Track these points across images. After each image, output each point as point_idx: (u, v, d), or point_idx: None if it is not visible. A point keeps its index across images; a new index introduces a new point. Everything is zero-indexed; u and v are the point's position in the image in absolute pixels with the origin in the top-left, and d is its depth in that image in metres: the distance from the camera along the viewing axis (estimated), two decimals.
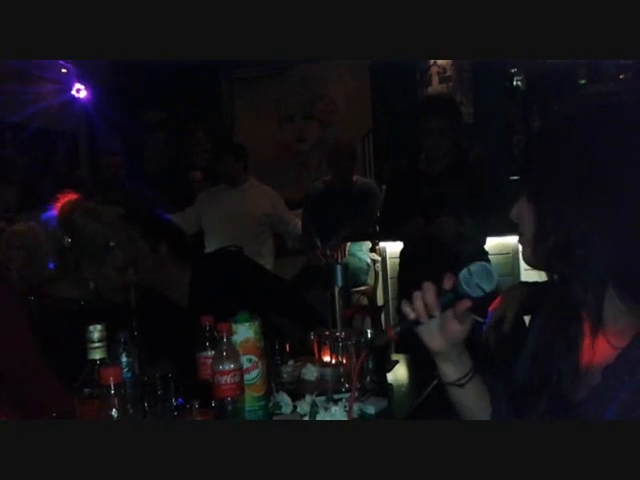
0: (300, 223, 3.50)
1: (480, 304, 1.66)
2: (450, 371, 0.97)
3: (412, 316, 0.92)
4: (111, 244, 1.67)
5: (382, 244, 3.30)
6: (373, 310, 2.86)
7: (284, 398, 1.37)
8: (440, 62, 4.05)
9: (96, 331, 1.03)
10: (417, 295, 0.92)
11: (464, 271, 0.89)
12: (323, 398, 1.38)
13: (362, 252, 3.28)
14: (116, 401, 0.87)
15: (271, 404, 1.36)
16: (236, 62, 4.76)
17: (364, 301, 3.14)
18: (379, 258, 3.32)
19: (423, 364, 1.03)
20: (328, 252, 3.08)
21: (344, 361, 1.55)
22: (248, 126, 5.40)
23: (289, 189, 4.25)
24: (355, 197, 3.26)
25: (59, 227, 1.72)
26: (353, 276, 3.19)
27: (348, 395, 1.45)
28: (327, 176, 3.46)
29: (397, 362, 1.79)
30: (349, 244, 3.24)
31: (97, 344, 1.03)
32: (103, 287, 1.70)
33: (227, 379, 1.16)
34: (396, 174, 2.97)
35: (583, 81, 4.09)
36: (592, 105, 0.93)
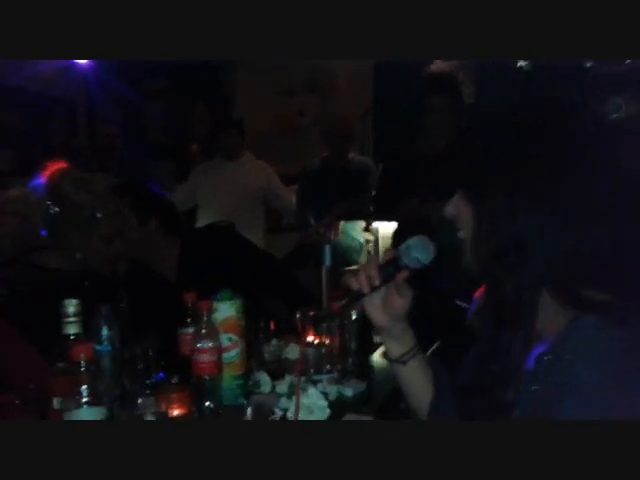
0: (295, 199, 3.48)
1: (466, 290, 1.67)
2: (393, 347, 1.00)
3: (355, 287, 0.95)
4: (98, 215, 1.65)
5: (376, 224, 3.28)
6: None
7: (264, 377, 1.37)
8: None
9: (71, 305, 1.02)
10: (361, 267, 0.96)
11: (403, 244, 0.94)
12: (303, 378, 1.38)
13: (355, 231, 3.26)
14: (86, 378, 0.87)
15: (251, 382, 1.36)
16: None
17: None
18: (372, 238, 3.30)
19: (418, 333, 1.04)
20: (321, 230, 3.07)
21: (327, 342, 1.55)
22: (248, 99, 5.33)
23: (288, 164, 4.20)
24: (351, 175, 3.23)
25: (47, 195, 1.70)
26: (346, 255, 3.18)
27: (328, 377, 1.45)
28: (324, 152, 3.43)
29: (381, 344, 1.79)
30: (343, 223, 3.22)
31: (72, 318, 1.02)
32: (90, 258, 1.69)
33: (205, 357, 1.16)
34: (394, 153, 2.94)
35: (590, 63, 4.01)
36: (536, 102, 0.91)
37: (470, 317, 1.63)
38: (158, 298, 1.87)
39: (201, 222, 3.41)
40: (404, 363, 1.00)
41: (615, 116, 3.71)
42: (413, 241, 0.93)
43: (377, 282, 0.94)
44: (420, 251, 0.92)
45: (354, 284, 0.95)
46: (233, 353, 1.27)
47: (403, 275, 0.95)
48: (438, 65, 3.98)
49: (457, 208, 0.88)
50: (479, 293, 1.63)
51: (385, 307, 0.97)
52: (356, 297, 0.96)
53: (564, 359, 0.74)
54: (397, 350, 1.00)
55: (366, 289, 0.94)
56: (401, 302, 0.96)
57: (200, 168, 3.72)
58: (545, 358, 0.78)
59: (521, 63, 4.02)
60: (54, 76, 5.25)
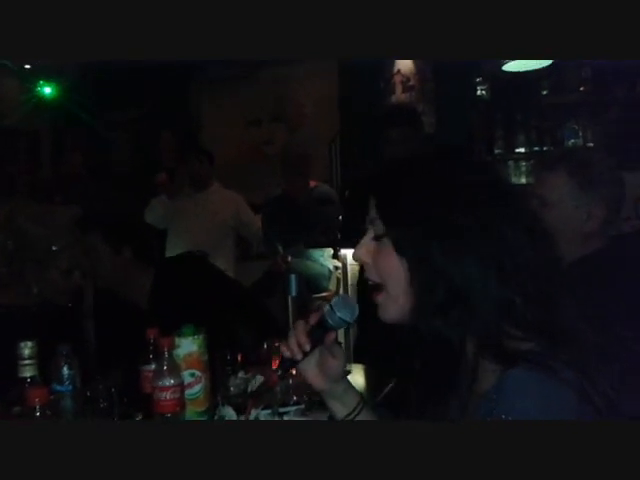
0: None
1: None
2: (338, 408, 1.00)
3: (287, 355, 0.96)
4: (54, 248, 1.64)
5: (343, 251, 3.31)
6: None
7: (229, 412, 1.35)
8: (403, 71, 4.08)
9: (26, 348, 1.01)
10: (290, 334, 0.96)
11: (327, 306, 0.95)
12: (269, 411, 1.37)
13: (324, 258, 3.28)
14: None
15: (216, 418, 1.35)
16: (205, 63, 4.73)
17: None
18: (340, 264, 3.32)
19: (376, 373, 1.04)
20: (289, 259, 3.07)
21: (294, 372, 1.55)
22: (215, 128, 5.36)
23: (256, 192, 4.22)
24: (313, 205, 3.27)
25: (1, 231, 1.69)
26: (315, 282, 3.19)
27: (295, 408, 1.45)
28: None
29: (349, 372, 1.79)
30: (310, 250, 3.24)
31: (27, 361, 1.00)
32: (46, 291, 1.67)
33: (167, 395, 1.15)
34: (358, 180, 2.99)
35: (545, 92, 4.17)
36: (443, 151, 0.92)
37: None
38: (127, 330, 1.83)
39: (170, 252, 3.38)
40: (352, 422, 0.99)
41: (572, 142, 3.85)
42: (335, 301, 0.95)
43: (307, 347, 0.94)
44: (343, 310, 0.94)
45: (286, 352, 0.96)
46: (196, 389, 1.26)
47: (331, 336, 0.96)
48: (398, 96, 4.08)
49: (372, 256, 0.86)
50: None
51: (321, 370, 0.98)
52: (290, 364, 0.97)
53: (498, 411, 0.73)
54: (341, 411, 0.99)
55: (298, 355, 0.95)
56: (335, 362, 0.97)
57: (168, 197, 3.71)
58: (477, 410, 0.76)
59: (480, 92, 4.15)
60: (19, 107, 5.20)
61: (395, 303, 0.84)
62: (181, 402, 1.18)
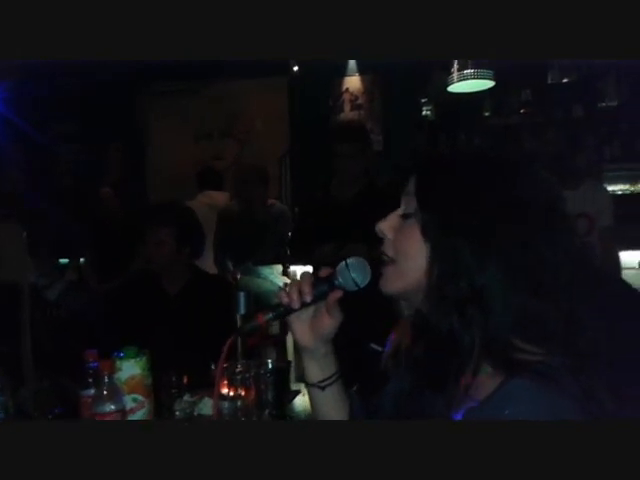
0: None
1: (380, 333, 1.70)
2: (314, 370, 0.96)
3: (285, 301, 0.91)
4: None
5: (293, 267, 3.29)
6: (276, 339, 2.82)
7: None
8: (352, 90, 4.16)
9: None
10: (293, 282, 0.92)
11: (342, 263, 0.90)
12: None
13: (274, 275, 3.25)
14: None
15: None
16: (153, 76, 4.66)
17: (272, 328, 3.09)
18: (290, 281, 3.31)
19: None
20: (239, 276, 3.02)
21: (242, 393, 1.51)
22: (164, 142, 5.26)
23: None
24: (267, 221, 3.24)
25: None
26: (265, 300, 3.15)
27: None
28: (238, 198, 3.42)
29: (298, 392, 1.77)
30: (260, 267, 3.20)
31: None
32: None
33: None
34: (308, 197, 3.00)
35: (488, 113, 4.32)
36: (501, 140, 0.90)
37: (385, 359, 1.65)
38: (153, 310, 2.08)
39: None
40: (322, 389, 0.95)
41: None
42: (351, 261, 0.89)
43: (308, 298, 0.89)
44: (357, 272, 0.89)
45: (284, 298, 0.91)
46: (139, 415, 1.20)
47: (336, 295, 0.91)
48: (347, 114, 4.15)
49: (395, 232, 0.83)
50: (393, 336, 1.66)
51: (312, 326, 0.93)
52: (284, 312, 0.92)
53: (493, 416, 0.69)
54: (317, 374, 0.95)
55: (296, 304, 0.90)
56: (330, 323, 0.92)
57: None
58: (474, 413, 0.73)
59: (425, 111, 4.27)
60: None
61: (400, 279, 0.82)
62: None
